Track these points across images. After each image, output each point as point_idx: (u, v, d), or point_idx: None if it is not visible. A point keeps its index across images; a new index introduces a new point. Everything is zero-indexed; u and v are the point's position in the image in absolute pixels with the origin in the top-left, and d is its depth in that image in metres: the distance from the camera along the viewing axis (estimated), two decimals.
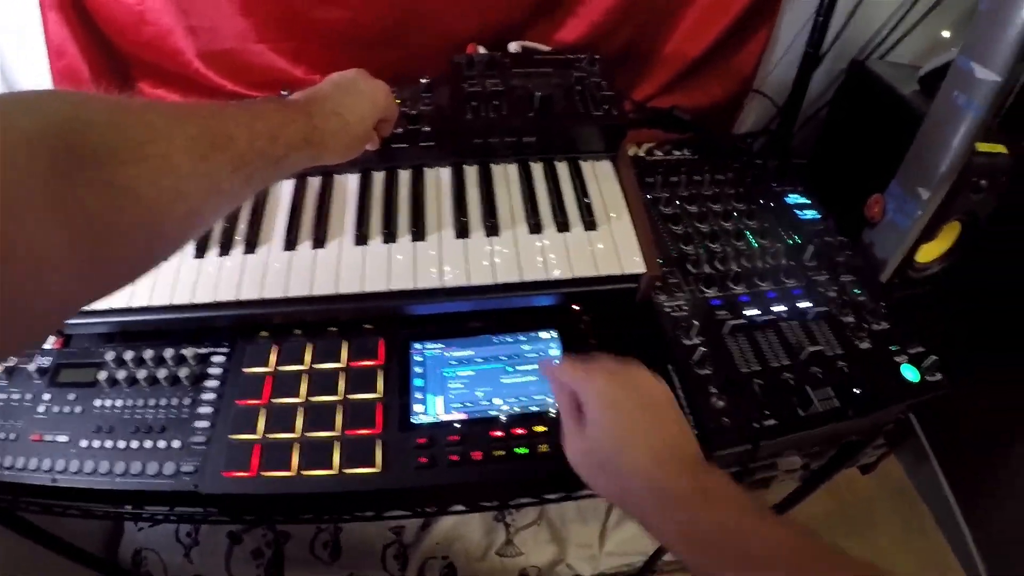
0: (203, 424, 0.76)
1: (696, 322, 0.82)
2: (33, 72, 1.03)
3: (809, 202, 1.04)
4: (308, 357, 0.80)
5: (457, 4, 1.00)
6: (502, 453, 0.73)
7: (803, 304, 0.88)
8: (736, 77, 1.13)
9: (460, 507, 0.83)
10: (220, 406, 0.77)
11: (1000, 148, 1.00)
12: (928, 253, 1.10)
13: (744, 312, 0.85)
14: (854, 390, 0.79)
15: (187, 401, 0.78)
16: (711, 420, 0.74)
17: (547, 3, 1.05)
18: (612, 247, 0.82)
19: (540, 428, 0.74)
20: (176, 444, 0.74)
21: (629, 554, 1.26)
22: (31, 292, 0.33)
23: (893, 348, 0.84)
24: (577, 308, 0.85)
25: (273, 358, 0.80)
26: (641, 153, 1.08)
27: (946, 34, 1.12)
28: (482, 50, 1.01)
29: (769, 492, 1.31)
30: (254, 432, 0.74)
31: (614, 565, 1.26)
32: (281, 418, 0.75)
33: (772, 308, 0.86)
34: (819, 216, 1.02)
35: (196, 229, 0.48)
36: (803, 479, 1.41)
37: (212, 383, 0.79)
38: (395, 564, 1.22)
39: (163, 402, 0.78)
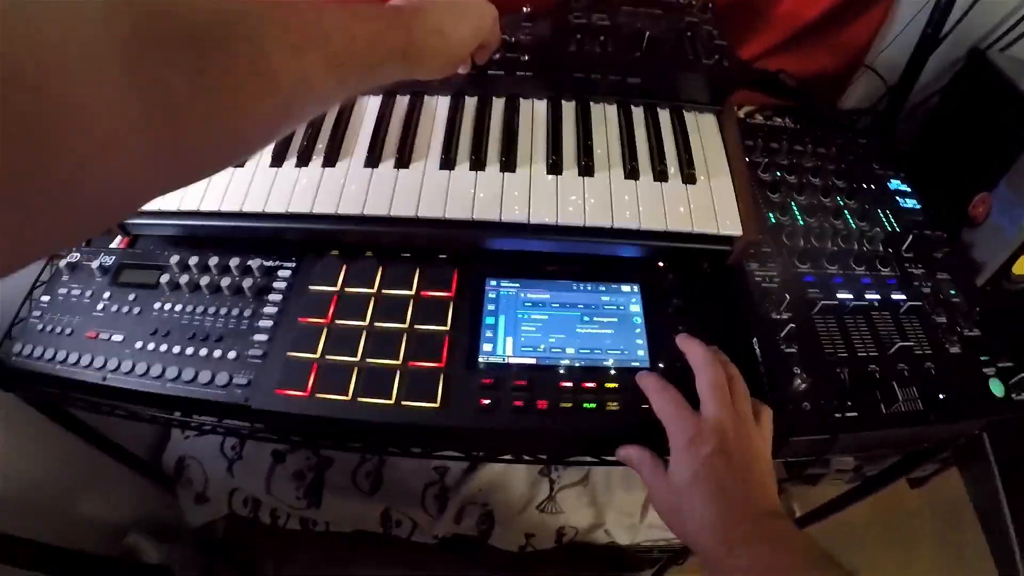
0: (262, 338, 0.74)
1: (787, 296, 0.77)
2: None
3: (910, 190, 0.98)
4: (378, 280, 0.78)
5: None
6: (569, 406, 0.70)
7: (897, 296, 0.83)
8: (848, 49, 1.06)
9: (512, 456, 0.81)
10: (281, 321, 0.75)
11: None
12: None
13: (837, 294, 0.80)
14: (939, 395, 0.74)
15: (248, 312, 0.77)
16: (791, 402, 0.70)
17: None
18: (710, 204, 0.78)
19: (611, 385, 0.71)
20: (232, 355, 0.73)
21: (668, 528, 1.24)
22: (99, 168, 0.30)
23: (983, 358, 0.79)
24: (662, 266, 0.81)
25: (341, 278, 0.78)
26: (741, 115, 1.03)
27: None
28: None
29: (815, 489, 1.28)
30: (314, 352, 0.72)
31: (653, 538, 1.23)
32: (343, 340, 0.73)
33: (865, 295, 0.81)
34: (919, 206, 0.96)
35: (281, 127, 0.45)
36: (851, 481, 1.38)
37: (275, 297, 0.77)
38: (434, 504, 1.21)
39: (223, 311, 0.77)
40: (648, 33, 0.82)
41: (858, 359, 0.76)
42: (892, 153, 1.02)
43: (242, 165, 0.79)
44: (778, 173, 0.95)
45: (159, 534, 1.25)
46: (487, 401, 0.69)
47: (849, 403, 0.71)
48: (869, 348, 0.77)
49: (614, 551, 1.25)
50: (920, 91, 1.10)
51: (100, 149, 0.29)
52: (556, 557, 1.24)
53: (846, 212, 0.91)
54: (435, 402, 0.69)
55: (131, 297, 0.77)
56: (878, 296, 0.82)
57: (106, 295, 0.78)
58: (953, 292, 0.86)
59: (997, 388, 0.77)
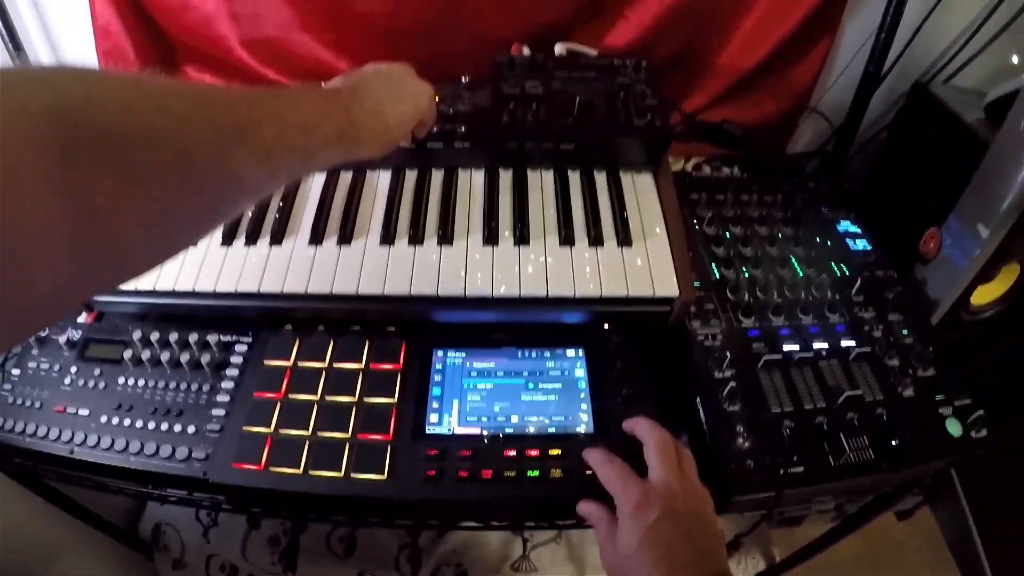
0: (219, 412, 0.76)
1: (729, 354, 0.77)
2: (82, 52, 1.04)
3: (860, 231, 0.99)
4: (329, 354, 0.79)
5: (498, 1, 0.97)
6: (512, 474, 0.70)
7: (846, 342, 0.82)
8: (791, 93, 1.07)
9: (469, 523, 0.81)
10: (238, 396, 0.77)
11: None
12: (984, 295, 1.03)
13: (783, 347, 0.80)
14: (892, 441, 0.74)
15: (206, 387, 0.78)
16: (734, 462, 0.70)
17: (593, 5, 1.01)
18: (646, 267, 0.78)
19: (555, 451, 0.72)
20: (191, 429, 0.75)
21: None
22: (24, 276, 0.30)
23: (938, 398, 0.79)
24: (608, 328, 0.82)
25: (294, 352, 0.80)
26: (688, 168, 1.04)
27: (1016, 59, 1.04)
28: (527, 51, 0.97)
29: (799, 530, 1.27)
30: (268, 426, 0.74)
31: None
32: (296, 414, 0.75)
33: (813, 344, 0.81)
34: (870, 247, 0.96)
35: (212, 223, 0.45)
36: (835, 520, 1.36)
37: (232, 372, 0.79)
38: (408, 567, 1.20)
39: (183, 386, 0.78)
40: (579, 98, 0.83)
41: (804, 412, 0.75)
42: (841, 194, 1.02)
43: (195, 244, 0.81)
44: (723, 226, 0.96)
45: None
46: (433, 472, 0.70)
47: (795, 458, 0.71)
48: (816, 400, 0.77)
49: None
50: (868, 129, 1.11)
51: (28, 260, 0.30)
52: None
53: (793, 260, 0.91)
54: (382, 474, 0.70)
55: (97, 372, 0.79)
56: (826, 345, 0.82)
57: (73, 369, 0.80)
58: (906, 332, 0.86)
59: (954, 428, 0.77)
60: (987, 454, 0.77)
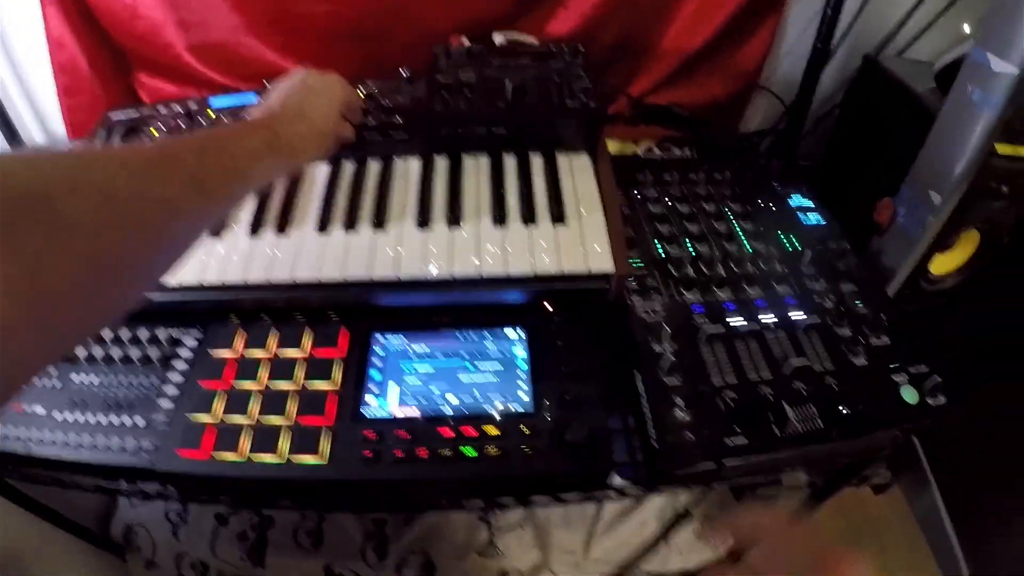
0: (167, 404, 0.77)
1: (670, 327, 0.77)
2: (37, 64, 1.06)
3: (813, 205, 0.98)
4: (272, 343, 0.80)
5: None
6: (448, 453, 0.70)
7: (795, 314, 0.81)
8: (739, 73, 1.07)
9: (410, 505, 0.81)
10: (185, 387, 0.79)
11: (1023, 151, 0.92)
12: (943, 265, 1.02)
13: (727, 320, 0.79)
14: (842, 410, 0.72)
15: (156, 380, 0.80)
16: (672, 434, 0.69)
17: None
18: (580, 244, 0.78)
19: (492, 431, 0.72)
20: (140, 421, 0.76)
21: (615, 562, 1.21)
22: None
23: (893, 366, 0.77)
24: (550, 307, 0.81)
25: (239, 343, 0.81)
26: (639, 151, 1.04)
27: (967, 28, 1.03)
28: (467, 42, 0.98)
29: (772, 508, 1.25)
30: (211, 414, 0.75)
31: (601, 572, 1.22)
32: (238, 402, 0.76)
33: (759, 317, 0.80)
34: (823, 221, 0.96)
35: (159, 256, 0.46)
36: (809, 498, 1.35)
37: (181, 364, 0.81)
38: (374, 557, 1.20)
39: (134, 380, 0.80)
40: (511, 84, 0.84)
41: (748, 384, 0.74)
42: (794, 171, 1.02)
43: (158, 278, 0.83)
44: (668, 203, 0.95)
45: None
46: (369, 453, 0.70)
47: (736, 429, 0.70)
48: (762, 371, 0.76)
49: None
50: (822, 106, 1.11)
51: None
52: None
53: (740, 235, 0.91)
54: (321, 457, 0.71)
55: (53, 372, 0.81)
56: (774, 317, 0.81)
57: None
58: (859, 303, 0.85)
59: (910, 395, 0.75)
60: (952, 426, 0.75)
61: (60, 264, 0.35)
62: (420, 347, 0.79)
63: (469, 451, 0.70)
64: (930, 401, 0.74)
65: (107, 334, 0.83)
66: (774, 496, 1.31)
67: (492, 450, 0.70)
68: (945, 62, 0.96)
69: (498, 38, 1.00)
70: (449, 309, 0.82)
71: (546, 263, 0.76)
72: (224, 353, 0.80)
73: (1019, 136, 0.92)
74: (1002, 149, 0.89)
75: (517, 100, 0.85)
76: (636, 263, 0.85)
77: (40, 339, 0.35)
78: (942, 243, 0.96)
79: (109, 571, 1.29)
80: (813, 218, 0.96)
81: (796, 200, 0.98)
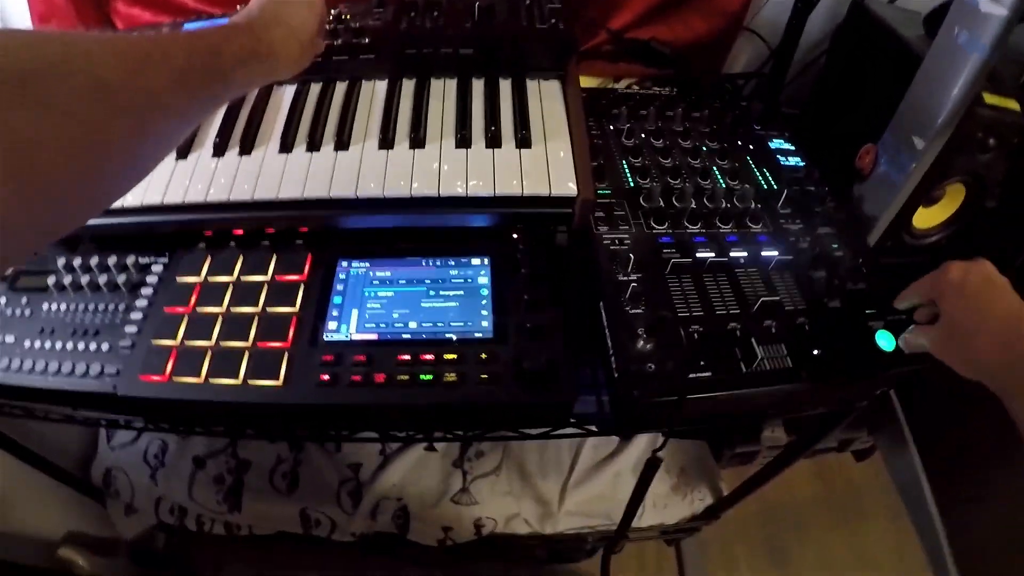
0: (131, 329, 0.77)
1: (635, 256, 0.75)
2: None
3: (793, 148, 0.96)
4: (237, 268, 0.80)
5: None
6: (406, 378, 0.69)
7: (767, 252, 0.80)
8: (723, 12, 1.04)
9: (368, 433, 0.81)
10: (150, 313, 0.78)
11: (1012, 104, 0.89)
12: (928, 218, 1.00)
13: (696, 253, 0.78)
14: (813, 350, 0.71)
15: (122, 307, 0.80)
16: (634, 364, 0.67)
17: None
18: (544, 168, 0.76)
19: (450, 356, 0.71)
20: (105, 347, 0.76)
21: (589, 515, 1.21)
22: None
23: (868, 311, 0.76)
24: (516, 236, 0.80)
25: (205, 268, 0.80)
26: (620, 87, 1.02)
27: None
28: None
29: (752, 468, 1.25)
30: (174, 338, 0.74)
31: (573, 526, 1.21)
32: (201, 326, 0.75)
33: (730, 252, 0.79)
34: (803, 164, 0.94)
35: (143, 150, 0.46)
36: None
37: (147, 291, 0.80)
38: (349, 501, 1.21)
39: (101, 307, 0.80)
40: (478, 3, 0.82)
41: (716, 317, 0.73)
42: (776, 115, 1.00)
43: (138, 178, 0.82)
44: (644, 138, 0.93)
45: (96, 547, 1.26)
46: (326, 377, 0.70)
47: (701, 363, 0.68)
48: (730, 305, 0.74)
49: (546, 541, 1.23)
50: (809, 52, 1.08)
51: None
52: (486, 551, 1.22)
53: (716, 171, 0.89)
54: (278, 379, 0.70)
55: (23, 300, 0.81)
56: (745, 253, 0.79)
57: (2, 300, 0.81)
58: (836, 246, 0.83)
59: (886, 341, 0.73)
60: (931, 384, 0.74)
61: (51, 146, 0.35)
62: (383, 272, 0.78)
63: (426, 376, 0.69)
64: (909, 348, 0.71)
65: (77, 261, 0.82)
66: (754, 455, 1.31)
67: (449, 376, 0.69)
68: (935, 5, 0.94)
69: None
70: (414, 235, 0.81)
71: (509, 186, 0.75)
72: (190, 279, 0.79)
73: (1005, 87, 0.90)
74: (989, 99, 0.87)
75: (484, 20, 0.83)
76: (604, 192, 0.83)
77: (31, 219, 0.36)
78: (925, 195, 0.94)
79: (91, 515, 1.30)
80: (793, 160, 0.94)
81: (776, 143, 0.97)
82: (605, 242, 0.78)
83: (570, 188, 0.74)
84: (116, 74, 0.41)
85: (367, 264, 0.79)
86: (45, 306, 0.80)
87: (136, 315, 0.78)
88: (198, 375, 0.71)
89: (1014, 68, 1.02)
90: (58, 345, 0.76)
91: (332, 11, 0.87)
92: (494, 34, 0.85)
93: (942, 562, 0.88)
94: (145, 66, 0.43)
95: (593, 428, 0.77)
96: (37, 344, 0.77)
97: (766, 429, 1.22)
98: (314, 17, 0.70)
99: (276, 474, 1.23)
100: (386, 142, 0.79)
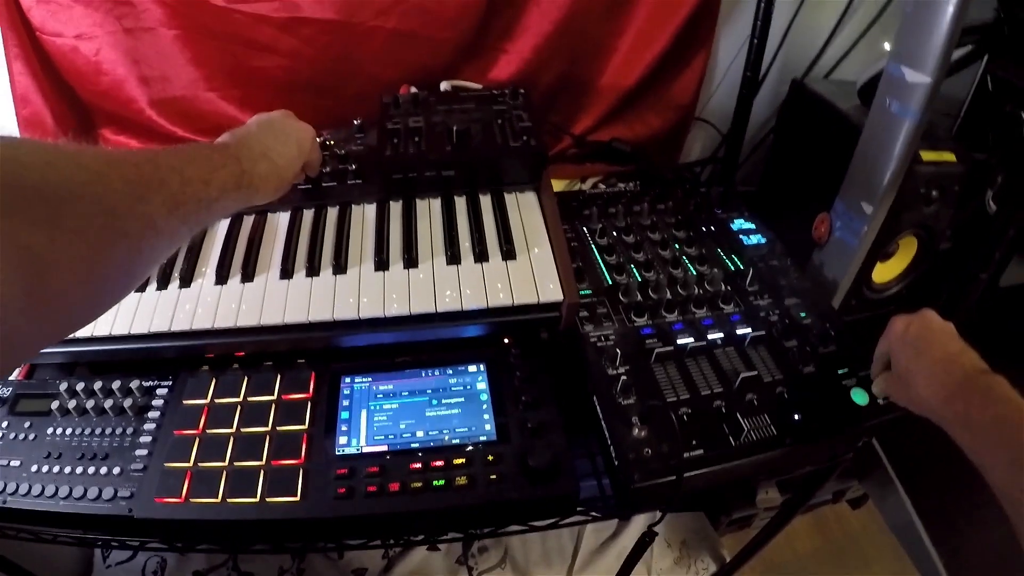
0: (142, 452, 0.78)
1: (622, 351, 0.80)
2: (2, 118, 1.07)
3: (754, 227, 1.03)
4: (244, 390, 0.82)
5: (384, 51, 1.03)
6: (419, 485, 0.72)
7: (741, 330, 0.85)
8: (675, 106, 1.13)
9: (386, 540, 0.83)
10: (159, 435, 0.80)
11: (948, 156, 0.98)
12: (886, 272, 1.08)
13: (676, 340, 0.83)
14: (794, 416, 0.77)
15: (130, 430, 0.81)
16: (631, 451, 0.72)
17: (473, 45, 1.08)
18: (530, 277, 0.82)
19: (458, 460, 0.74)
20: (116, 470, 0.77)
21: None
22: None
23: (841, 371, 0.82)
24: (508, 341, 0.85)
25: (211, 390, 0.82)
26: (586, 188, 1.09)
27: (887, 46, 1.10)
28: (414, 90, 1.03)
29: (751, 531, 1.28)
30: (187, 461, 0.76)
31: None
32: (213, 448, 0.77)
33: (708, 335, 0.85)
34: (764, 240, 1.01)
35: (137, 269, 0.50)
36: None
37: (154, 414, 0.82)
38: None
39: (108, 430, 0.81)
40: (456, 127, 0.88)
41: (700, 398, 0.78)
42: (735, 196, 1.07)
43: (127, 292, 0.85)
44: (614, 235, 1.00)
45: None
46: (343, 490, 0.72)
47: (694, 442, 0.73)
48: (713, 385, 0.79)
49: None
50: (757, 132, 1.16)
51: None
52: None
53: (685, 260, 0.95)
54: (296, 495, 0.72)
55: (27, 424, 0.82)
56: (721, 334, 0.85)
57: (4, 424, 0.82)
58: (804, 315, 0.89)
59: (859, 397, 0.79)
60: (911, 427, 0.78)
61: (61, 263, 0.39)
62: (386, 386, 0.82)
63: (438, 481, 0.73)
64: (880, 401, 0.78)
65: (79, 384, 0.84)
66: (751, 518, 1.34)
67: (460, 479, 0.72)
68: (864, 79, 1.02)
69: (444, 86, 1.05)
70: (411, 348, 0.85)
71: (499, 297, 0.80)
72: (197, 401, 0.81)
73: (941, 140, 0.98)
74: (926, 156, 0.95)
75: (462, 142, 0.90)
76: (586, 293, 0.89)
77: (37, 328, 0.39)
78: (881, 251, 1.01)
79: None
80: (755, 239, 1.01)
81: (738, 224, 1.04)
82: (592, 340, 0.83)
83: (556, 294, 0.80)
84: (123, 201, 0.45)
85: (370, 379, 0.83)
86: (50, 430, 0.81)
87: (146, 438, 0.79)
88: (215, 496, 0.73)
89: (947, 121, 1.12)
90: (67, 469, 0.77)
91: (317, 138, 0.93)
92: (472, 155, 0.91)
93: None
94: (146, 192, 0.48)
95: (597, 514, 0.81)
96: (45, 468, 0.77)
97: (760, 492, 1.26)
98: (300, 157, 0.75)
99: None
100: (382, 264, 0.84)
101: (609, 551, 1.26)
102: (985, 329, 1.10)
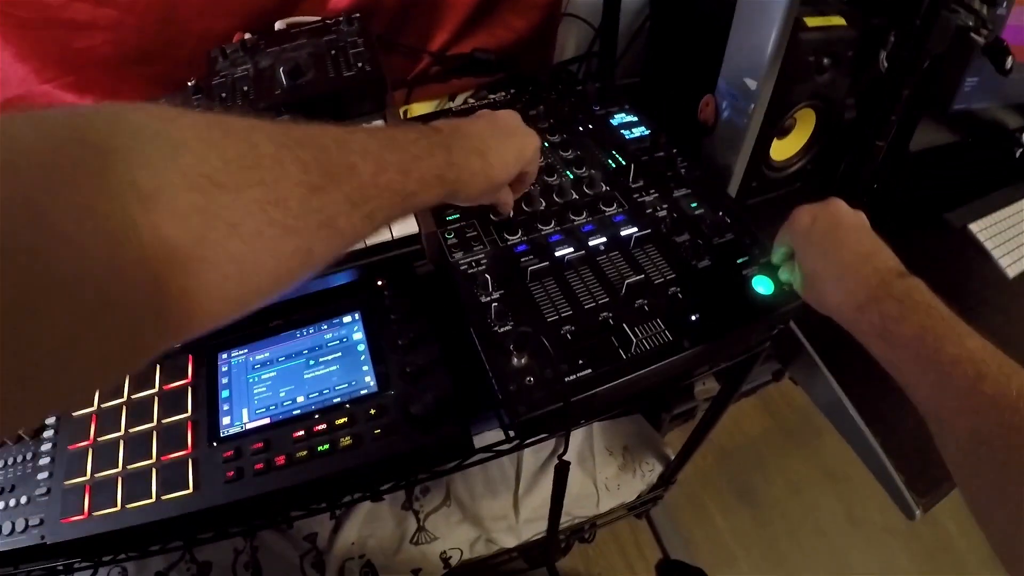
0: (43, 475, 0.76)
1: (493, 274, 0.75)
2: None
3: (636, 119, 0.98)
4: (126, 388, 0.79)
5: (207, 1, 0.95)
6: (304, 453, 0.70)
7: (626, 231, 0.81)
8: (536, 4, 1.05)
9: (294, 512, 0.82)
10: (56, 454, 0.77)
11: (837, 20, 0.91)
12: (786, 149, 1.03)
13: (554, 252, 0.78)
14: (691, 317, 0.72)
15: (29, 455, 0.78)
16: (512, 382, 0.67)
17: None
18: None
19: (340, 420, 0.72)
20: (23, 499, 0.75)
21: (546, 518, 1.23)
22: None
23: (740, 261, 0.78)
24: (381, 283, 0.81)
25: (96, 396, 0.79)
26: (455, 105, 1.03)
27: None
28: (248, 36, 0.95)
29: (695, 423, 1.27)
30: (84, 475, 0.74)
31: (538, 531, 1.23)
32: (105, 455, 0.74)
33: (588, 242, 0.80)
34: (647, 132, 0.96)
35: (304, 273, 0.41)
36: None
37: (48, 432, 0.79)
38: (313, 572, 1.21)
39: (10, 460, 0.79)
40: (282, 68, 0.82)
41: (585, 312, 0.73)
42: (612, 90, 1.01)
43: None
44: None
45: None
46: (231, 473, 0.70)
47: (580, 362, 0.68)
48: (598, 297, 0.75)
49: (518, 552, 1.24)
50: (635, 19, 1.09)
51: None
52: None
53: (561, 167, 0.90)
54: (188, 488, 0.70)
55: None
56: (604, 239, 0.80)
57: None
58: (695, 205, 0.85)
59: (763, 286, 0.75)
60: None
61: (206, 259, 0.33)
62: (262, 355, 0.79)
63: (323, 446, 0.70)
64: (787, 288, 0.74)
65: None
66: (693, 411, 1.34)
67: (345, 440, 0.70)
68: None
69: (279, 24, 0.97)
70: (284, 309, 0.81)
71: None
72: (84, 410, 0.78)
73: (830, 7, 0.91)
74: (812, 22, 0.88)
75: (293, 82, 0.83)
76: (454, 217, 0.83)
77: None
78: (776, 128, 0.96)
79: None
80: (637, 132, 0.96)
81: (618, 118, 0.98)
82: (462, 267, 0.78)
83: (411, 226, 0.75)
84: (294, 192, 0.38)
85: (245, 350, 0.80)
86: None
87: (44, 459, 0.77)
88: (115, 504, 0.71)
89: None
90: None
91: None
92: (305, 94, 0.84)
93: (880, 463, 0.90)
94: (327, 184, 0.40)
95: (501, 448, 0.79)
96: None
97: (698, 384, 1.25)
98: (517, 164, 0.66)
99: (238, 566, 1.22)
100: None
101: (551, 467, 1.25)
102: (895, 195, 1.06)
